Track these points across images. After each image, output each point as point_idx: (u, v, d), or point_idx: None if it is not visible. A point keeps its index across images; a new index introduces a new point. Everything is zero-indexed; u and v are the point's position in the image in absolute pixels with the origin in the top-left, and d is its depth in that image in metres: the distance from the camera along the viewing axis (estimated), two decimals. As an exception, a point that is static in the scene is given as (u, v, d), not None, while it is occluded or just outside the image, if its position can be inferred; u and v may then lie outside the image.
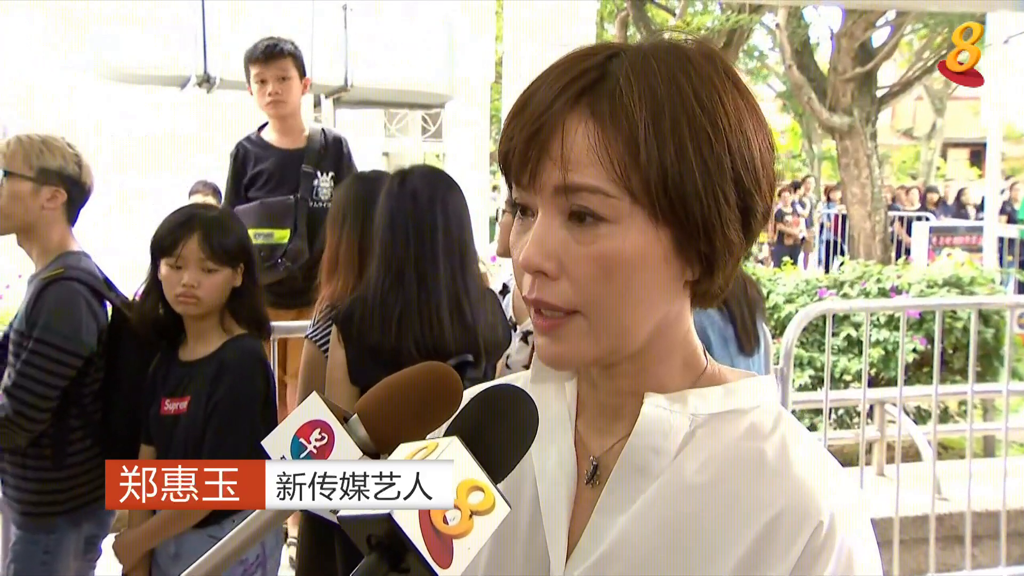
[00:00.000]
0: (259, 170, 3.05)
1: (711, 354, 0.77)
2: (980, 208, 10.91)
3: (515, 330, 2.31)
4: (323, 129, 3.14)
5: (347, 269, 2.17)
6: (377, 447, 0.72)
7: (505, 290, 2.40)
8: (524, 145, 0.66)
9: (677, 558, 0.67)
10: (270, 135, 3.10)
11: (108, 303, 2.17)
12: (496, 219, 3.95)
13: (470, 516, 0.60)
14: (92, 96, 6.60)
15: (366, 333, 1.96)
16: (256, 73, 3.01)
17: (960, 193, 12.40)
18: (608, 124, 0.64)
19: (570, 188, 0.65)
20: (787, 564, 0.64)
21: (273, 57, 3.00)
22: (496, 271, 5.05)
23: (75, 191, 2.13)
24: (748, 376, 0.75)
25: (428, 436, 0.72)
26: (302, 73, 3.07)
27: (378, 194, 2.08)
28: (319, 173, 3.05)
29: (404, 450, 0.65)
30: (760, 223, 0.70)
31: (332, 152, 3.10)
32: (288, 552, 3.21)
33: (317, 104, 8.33)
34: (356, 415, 0.72)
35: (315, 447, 0.71)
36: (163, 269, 1.99)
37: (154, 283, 2.02)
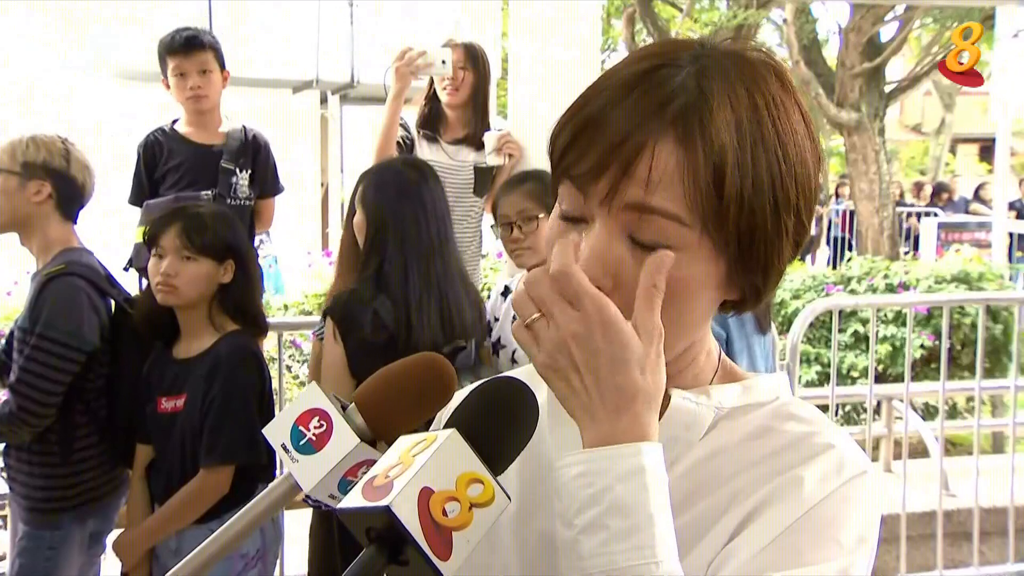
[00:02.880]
0: (173, 164, 2.89)
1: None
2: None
3: None
4: (244, 126, 3.01)
5: (347, 264, 2.19)
6: (374, 434, 0.73)
7: (507, 291, 2.42)
8: (601, 159, 0.65)
9: (689, 522, 0.67)
10: (184, 129, 2.94)
11: (111, 299, 2.18)
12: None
13: (469, 508, 0.61)
14: (92, 96, 6.62)
15: (377, 329, 1.97)
16: (174, 65, 2.83)
17: (979, 188, 12.33)
18: (699, 152, 0.64)
19: (647, 209, 0.64)
20: (810, 490, 0.67)
21: (194, 49, 2.82)
22: (502, 267, 5.05)
23: (63, 185, 2.14)
24: (762, 374, 0.77)
25: (429, 428, 0.72)
26: (222, 66, 2.91)
27: (369, 187, 2.09)
28: (238, 171, 2.91)
29: (404, 442, 0.66)
30: (802, 248, 0.72)
31: (252, 150, 2.96)
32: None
33: (324, 101, 8.35)
34: (354, 404, 0.74)
35: (314, 434, 0.72)
36: (150, 261, 2.02)
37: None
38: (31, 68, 6.80)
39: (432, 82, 3.09)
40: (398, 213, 2.06)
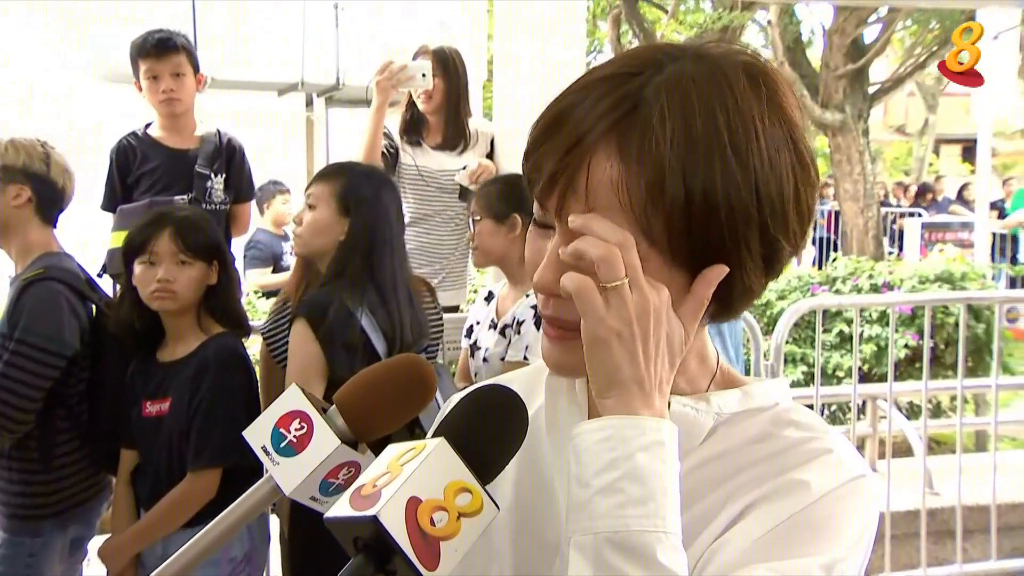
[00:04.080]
0: (147, 169, 2.86)
1: None
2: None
3: (495, 328, 2.34)
4: (218, 130, 2.95)
5: (300, 264, 2.19)
6: (355, 436, 0.73)
7: (490, 296, 2.47)
8: (553, 170, 0.65)
9: (687, 521, 0.67)
10: (158, 132, 2.90)
11: (92, 303, 2.15)
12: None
13: (458, 518, 0.60)
14: (92, 96, 6.57)
15: (358, 332, 1.97)
16: (147, 68, 2.79)
17: (962, 189, 12.44)
18: (634, 163, 0.62)
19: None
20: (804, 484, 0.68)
21: (166, 52, 2.78)
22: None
23: (43, 189, 2.12)
24: (760, 379, 0.77)
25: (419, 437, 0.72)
26: (196, 68, 2.87)
27: (359, 187, 2.09)
28: (213, 175, 2.88)
29: (392, 451, 0.66)
30: (786, 262, 0.70)
31: (226, 154, 2.93)
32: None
33: (309, 103, 8.31)
34: (334, 406, 0.74)
35: (295, 437, 0.72)
36: (137, 269, 1.98)
37: (129, 288, 2.01)
38: (31, 68, 6.75)
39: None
40: (390, 222, 2.08)
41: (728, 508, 0.68)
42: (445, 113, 3.10)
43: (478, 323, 2.44)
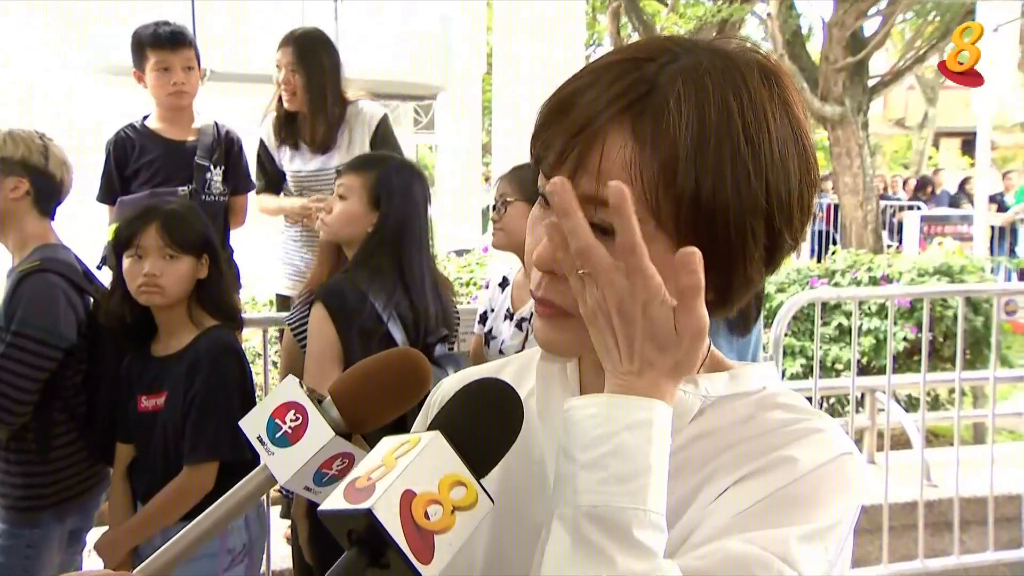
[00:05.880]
0: (145, 161, 2.85)
1: None
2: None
3: (511, 319, 2.33)
4: (216, 122, 2.94)
5: (329, 253, 2.19)
6: (349, 428, 0.74)
7: (505, 282, 2.44)
8: (562, 147, 0.66)
9: (672, 500, 0.67)
10: (156, 124, 2.89)
11: (89, 296, 2.15)
12: (488, 211, 3.89)
13: (452, 511, 0.60)
14: (92, 96, 6.57)
15: (368, 315, 1.97)
16: (158, 60, 2.78)
17: (964, 182, 12.44)
18: (648, 145, 0.63)
19: (600, 202, 0.64)
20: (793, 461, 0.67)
21: (179, 45, 2.80)
22: (488, 262, 5.07)
23: (41, 181, 2.12)
24: (749, 364, 0.77)
25: (412, 430, 0.73)
26: (199, 62, 2.90)
27: (391, 181, 2.10)
28: (212, 167, 2.87)
29: (387, 444, 0.65)
30: (786, 256, 0.71)
31: (224, 146, 2.92)
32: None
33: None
34: (329, 397, 0.74)
35: (290, 427, 0.73)
36: (125, 263, 1.97)
37: (119, 281, 2.01)
38: (31, 68, 6.76)
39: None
40: (420, 215, 2.10)
41: (713, 483, 0.68)
42: (312, 108, 2.94)
43: (492, 310, 2.42)
